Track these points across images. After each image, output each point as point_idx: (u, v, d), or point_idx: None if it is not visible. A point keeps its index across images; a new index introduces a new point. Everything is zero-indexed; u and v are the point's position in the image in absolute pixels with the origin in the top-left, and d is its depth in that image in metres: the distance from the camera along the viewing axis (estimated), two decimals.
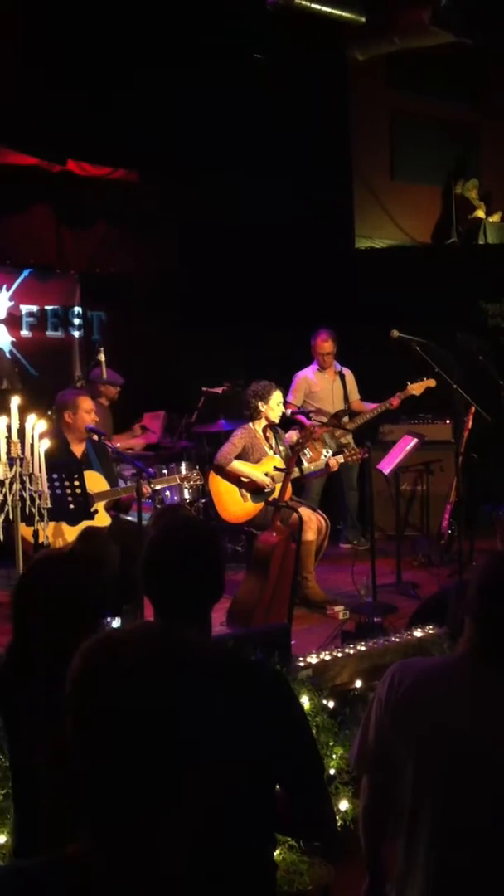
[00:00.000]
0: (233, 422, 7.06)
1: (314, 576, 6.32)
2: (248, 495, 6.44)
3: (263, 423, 6.47)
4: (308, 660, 4.57)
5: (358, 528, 8.15)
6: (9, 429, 4.51)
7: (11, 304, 8.44)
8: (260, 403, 6.39)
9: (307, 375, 7.89)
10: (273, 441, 6.55)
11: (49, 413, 6.00)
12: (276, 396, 6.44)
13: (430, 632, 5.02)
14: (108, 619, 4.96)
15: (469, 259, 10.42)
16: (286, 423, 6.77)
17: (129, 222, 8.94)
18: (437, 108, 10.91)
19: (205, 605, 2.32)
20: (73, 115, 7.56)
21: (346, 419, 7.71)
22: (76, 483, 5.38)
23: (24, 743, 2.56)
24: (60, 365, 8.70)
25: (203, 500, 6.86)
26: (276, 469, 6.33)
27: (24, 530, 4.67)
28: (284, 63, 8.62)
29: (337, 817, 3.73)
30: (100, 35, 7.55)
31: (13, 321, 8.46)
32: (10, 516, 4.51)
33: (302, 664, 4.50)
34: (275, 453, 6.49)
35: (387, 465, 6.54)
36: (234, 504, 6.43)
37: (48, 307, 8.69)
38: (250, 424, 6.48)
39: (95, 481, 5.75)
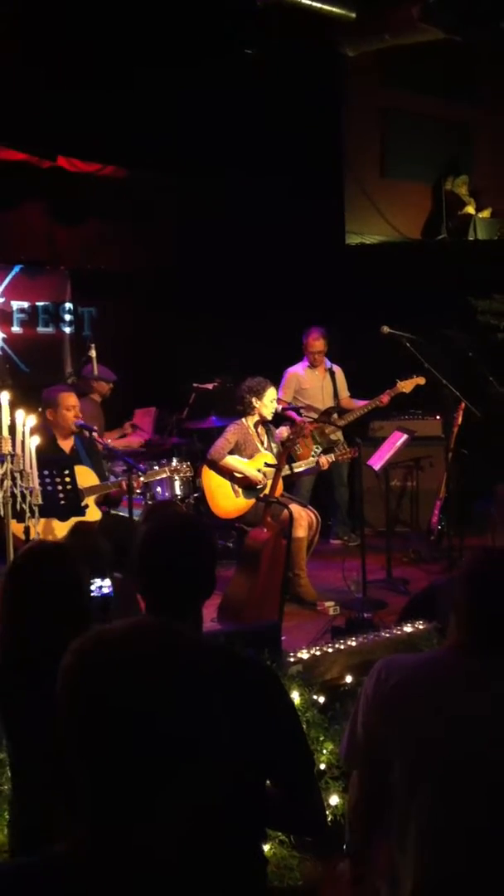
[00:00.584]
0: (224, 418, 7.06)
1: (307, 573, 6.33)
2: (240, 491, 6.45)
3: (256, 419, 6.48)
4: (298, 655, 4.59)
5: (348, 524, 8.17)
6: None
7: (2, 300, 8.43)
8: (254, 399, 6.40)
9: (297, 372, 7.90)
10: (265, 437, 6.56)
11: (39, 409, 6.00)
12: (271, 393, 6.44)
13: (420, 627, 5.04)
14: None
15: (459, 255, 10.44)
16: (276, 419, 6.78)
17: (120, 218, 8.93)
18: (428, 105, 10.91)
19: (196, 601, 2.33)
20: (64, 111, 7.54)
21: (335, 416, 7.73)
22: (67, 478, 5.38)
23: (21, 737, 2.57)
24: (51, 361, 8.69)
25: (195, 496, 6.87)
26: (267, 465, 6.34)
27: (15, 527, 4.67)
28: (277, 60, 8.61)
29: (327, 812, 3.74)
30: (94, 32, 7.53)
31: (4, 317, 8.44)
32: (1, 513, 4.51)
33: (292, 659, 4.52)
34: (266, 449, 6.50)
35: (377, 461, 6.55)
36: (225, 499, 6.44)
37: (39, 303, 8.67)
38: (243, 420, 6.49)
39: (85, 476, 5.75)
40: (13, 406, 4.60)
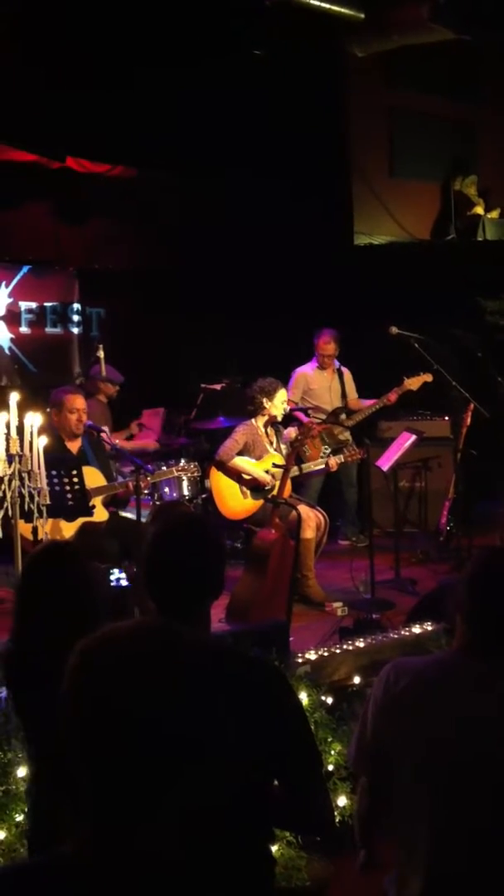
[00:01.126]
0: (232, 418, 7.06)
1: (314, 574, 6.32)
2: (248, 492, 6.44)
3: (265, 419, 6.48)
4: (306, 656, 4.58)
5: (356, 525, 8.15)
6: (8, 425, 4.52)
7: (10, 300, 8.44)
8: (265, 400, 6.39)
9: (306, 372, 7.89)
10: (273, 438, 6.56)
11: (47, 410, 6.01)
12: (282, 394, 6.44)
13: (429, 628, 5.03)
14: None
15: (468, 255, 10.42)
16: (285, 419, 6.77)
17: (127, 218, 8.93)
18: (435, 104, 10.90)
19: (204, 601, 2.33)
20: (72, 112, 7.55)
21: (343, 416, 7.72)
22: (74, 479, 5.39)
23: (35, 736, 2.59)
24: (59, 362, 8.70)
25: (202, 497, 6.86)
26: (275, 466, 6.34)
27: (23, 527, 4.68)
28: (283, 60, 8.61)
29: (335, 813, 3.73)
30: (100, 32, 7.54)
31: (12, 318, 8.45)
32: (10, 513, 4.51)
33: (300, 660, 4.52)
34: (275, 450, 6.50)
35: (385, 462, 6.55)
36: (233, 500, 6.44)
37: (47, 304, 8.68)
38: (252, 421, 6.48)
39: (92, 477, 5.75)
40: (22, 406, 4.60)
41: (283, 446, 6.53)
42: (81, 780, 1.27)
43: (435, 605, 5.20)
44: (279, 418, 6.51)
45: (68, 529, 5.61)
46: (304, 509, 6.13)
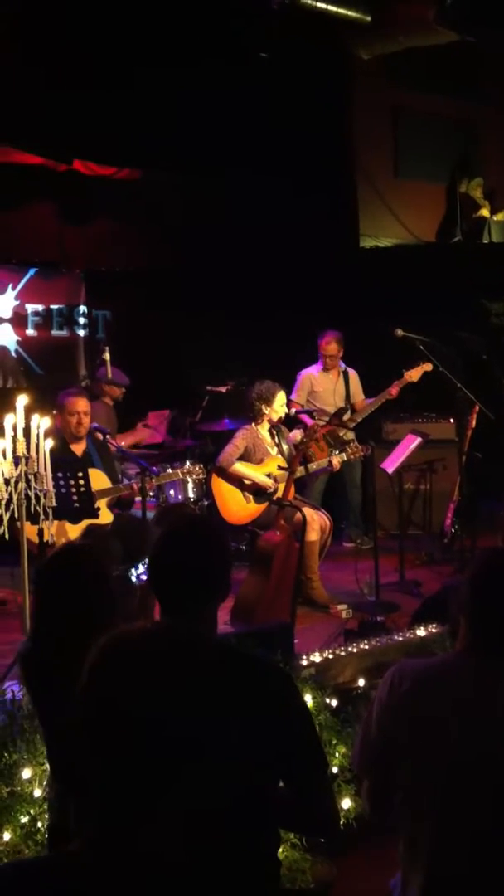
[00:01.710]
0: (237, 421, 7.05)
1: (319, 576, 6.32)
2: (250, 497, 6.44)
3: (266, 424, 6.47)
4: (311, 658, 4.58)
5: (361, 527, 8.15)
6: (14, 427, 4.53)
7: (17, 303, 8.45)
8: (263, 406, 6.38)
9: (311, 374, 7.89)
10: (277, 440, 6.55)
11: (54, 412, 6.02)
12: (280, 398, 6.42)
13: (433, 630, 5.03)
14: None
15: (473, 257, 10.42)
16: (289, 421, 6.77)
17: (133, 220, 8.94)
18: (440, 105, 10.89)
19: (209, 602, 2.34)
20: (77, 113, 7.56)
21: (347, 415, 7.71)
22: (80, 481, 5.40)
23: (52, 734, 2.61)
24: (66, 364, 8.71)
25: (207, 502, 6.87)
26: (279, 468, 6.33)
27: (29, 529, 4.69)
28: (287, 62, 8.62)
29: (340, 814, 3.74)
30: (103, 34, 7.56)
31: (19, 320, 8.46)
32: (16, 515, 4.53)
33: (305, 662, 4.52)
34: (278, 453, 6.49)
35: (390, 464, 6.55)
36: (236, 505, 6.43)
37: (53, 306, 8.69)
38: (252, 425, 6.47)
39: (98, 479, 5.77)
40: (28, 409, 4.62)
41: (286, 447, 6.51)
42: (90, 780, 1.28)
43: (438, 606, 5.20)
44: (281, 420, 6.51)
45: (73, 531, 5.62)
46: (308, 511, 6.13)
